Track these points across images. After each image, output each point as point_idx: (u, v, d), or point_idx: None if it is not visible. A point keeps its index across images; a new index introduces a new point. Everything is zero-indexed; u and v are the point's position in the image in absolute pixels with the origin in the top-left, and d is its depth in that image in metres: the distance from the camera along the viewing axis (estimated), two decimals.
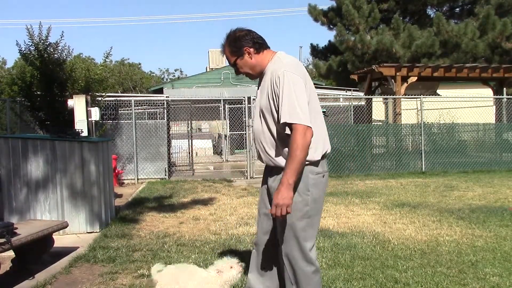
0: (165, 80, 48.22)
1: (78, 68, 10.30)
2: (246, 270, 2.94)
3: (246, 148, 11.79)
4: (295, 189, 2.49)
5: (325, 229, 5.46)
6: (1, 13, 68.78)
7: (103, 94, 10.45)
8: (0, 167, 5.44)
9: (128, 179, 10.76)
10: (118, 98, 12.38)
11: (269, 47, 2.71)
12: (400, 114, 12.84)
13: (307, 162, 2.52)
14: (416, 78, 12.92)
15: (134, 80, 43.83)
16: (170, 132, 11.97)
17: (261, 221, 2.82)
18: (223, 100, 16.43)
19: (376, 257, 4.34)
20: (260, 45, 2.66)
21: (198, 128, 19.53)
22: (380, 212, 6.59)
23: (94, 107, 8.27)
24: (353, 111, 14.49)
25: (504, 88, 14.13)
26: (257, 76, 2.72)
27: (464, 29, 15.84)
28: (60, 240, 4.92)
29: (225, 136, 16.26)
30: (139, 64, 48.71)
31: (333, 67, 18.76)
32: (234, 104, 16.11)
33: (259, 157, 2.74)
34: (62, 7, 78.46)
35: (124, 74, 43.13)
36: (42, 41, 9.18)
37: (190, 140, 13.01)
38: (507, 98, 13.26)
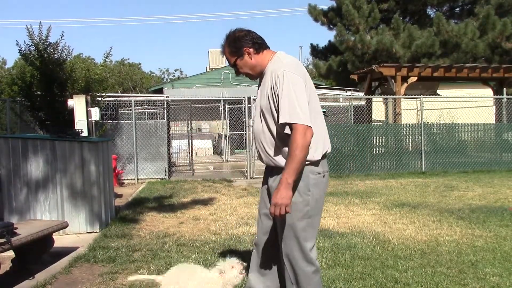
0: (165, 80, 48.24)
1: (78, 68, 10.30)
2: (247, 269, 2.94)
3: (246, 148, 11.79)
4: (294, 189, 2.50)
5: (325, 229, 5.46)
6: (1, 13, 68.84)
7: (103, 94, 10.45)
8: (0, 167, 5.44)
9: (128, 179, 10.76)
10: (118, 98, 12.38)
11: (268, 47, 2.71)
12: (400, 114, 12.84)
13: (307, 162, 2.52)
14: (416, 78, 12.92)
15: (134, 80, 43.83)
16: (170, 132, 11.97)
17: (261, 221, 2.82)
18: (223, 100, 16.43)
19: (376, 257, 4.34)
20: (260, 45, 2.66)
21: (198, 128, 19.53)
22: (380, 212, 6.59)
23: (94, 107, 8.27)
24: (353, 111, 14.49)
25: (504, 88, 14.14)
26: (257, 76, 2.72)
27: (464, 29, 15.84)
28: (60, 240, 4.92)
29: (225, 136, 16.26)
30: (139, 64, 48.75)
31: (333, 67, 18.76)
32: (234, 104, 16.11)
33: (260, 157, 2.74)
34: (62, 7, 78.52)
35: (124, 74, 43.13)
36: (42, 41, 9.18)
37: (190, 140, 13.02)
38: (507, 98, 13.26)
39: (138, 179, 10.78)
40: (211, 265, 3.07)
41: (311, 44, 22.17)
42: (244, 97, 12.04)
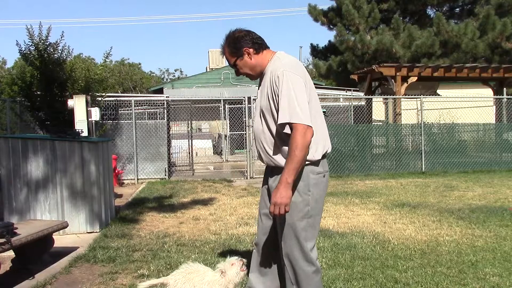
0: (165, 80, 48.26)
1: (78, 68, 10.29)
2: (248, 266, 2.95)
3: (246, 148, 11.79)
4: (294, 188, 2.50)
5: (325, 229, 5.46)
6: (1, 13, 68.83)
7: (103, 94, 10.45)
8: (0, 167, 5.44)
9: (128, 179, 10.76)
10: (118, 98, 12.38)
11: (268, 47, 2.71)
12: (400, 114, 12.84)
13: (307, 162, 2.52)
14: (416, 78, 12.92)
15: (134, 80, 43.85)
16: (170, 132, 11.97)
17: (261, 221, 2.82)
18: (223, 100, 16.42)
19: (376, 257, 4.34)
20: (260, 45, 2.66)
21: (198, 128, 19.54)
22: (380, 212, 6.59)
23: (94, 107, 8.27)
24: (353, 111, 14.49)
25: (504, 88, 14.13)
26: (257, 76, 2.72)
27: (464, 29, 15.85)
28: (60, 240, 4.92)
29: (225, 136, 16.26)
30: (139, 64, 48.78)
31: (333, 67, 18.76)
32: (234, 104, 16.11)
33: (260, 157, 2.74)
34: (62, 7, 78.55)
35: (124, 74, 43.14)
36: (42, 41, 9.18)
37: (190, 140, 13.01)
38: (507, 98, 13.26)
39: (138, 179, 10.78)
40: (211, 266, 3.06)
41: (311, 44, 22.21)
42: (244, 97, 12.04)
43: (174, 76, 49.94)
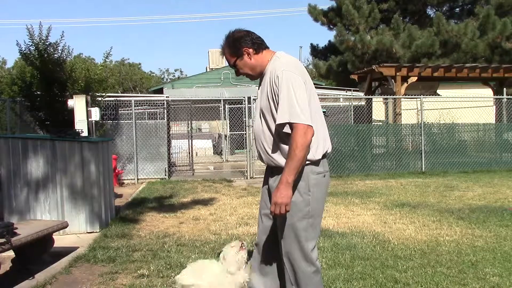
0: (165, 80, 48.28)
1: (78, 68, 10.29)
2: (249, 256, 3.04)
3: (246, 148, 11.78)
4: (295, 188, 2.49)
5: (325, 229, 5.46)
6: (1, 13, 68.83)
7: (103, 94, 10.45)
8: (0, 167, 5.44)
9: (128, 179, 10.76)
10: (118, 98, 12.38)
11: (268, 47, 2.71)
12: (400, 114, 12.84)
13: (308, 162, 2.52)
14: (416, 78, 12.91)
15: (134, 80, 43.86)
16: (170, 132, 11.97)
17: (262, 221, 2.82)
18: (223, 100, 16.42)
19: (376, 257, 4.34)
20: (259, 45, 2.66)
21: (198, 128, 19.53)
22: (380, 212, 6.59)
23: (94, 107, 8.27)
24: (353, 111, 14.49)
25: (504, 88, 14.13)
26: (257, 76, 2.72)
27: (464, 29, 15.84)
28: (60, 240, 4.92)
29: (225, 136, 16.26)
30: (139, 64, 48.80)
31: (333, 67, 18.76)
32: (234, 104, 16.10)
33: (260, 157, 2.74)
34: (62, 7, 78.55)
35: (124, 74, 43.14)
36: (42, 41, 9.18)
37: (190, 140, 13.01)
38: (507, 98, 13.25)
39: (138, 179, 10.78)
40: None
41: (311, 44, 22.20)
42: (244, 97, 12.04)
43: (174, 76, 50.00)
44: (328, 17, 18.96)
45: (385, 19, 17.98)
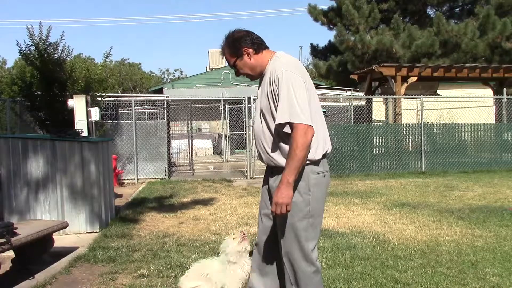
0: (165, 80, 48.28)
1: (78, 68, 10.28)
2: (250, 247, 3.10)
3: (246, 148, 11.78)
4: (295, 188, 2.49)
5: (325, 229, 5.46)
6: (1, 13, 68.83)
7: (103, 94, 10.45)
8: (0, 167, 5.44)
9: (128, 179, 10.76)
10: (118, 98, 12.38)
11: (268, 48, 2.71)
12: (400, 114, 12.83)
13: (308, 162, 2.52)
14: (416, 78, 12.91)
15: (134, 80, 43.86)
16: (170, 132, 11.97)
17: (262, 221, 2.82)
18: (223, 100, 16.42)
19: (376, 257, 4.34)
20: (259, 45, 2.66)
21: (198, 128, 19.53)
22: (380, 212, 6.59)
23: (94, 107, 8.27)
24: (353, 111, 14.49)
25: (504, 88, 14.13)
26: (257, 76, 2.72)
27: (464, 29, 15.84)
28: (60, 240, 4.92)
29: (225, 136, 16.25)
30: (139, 64, 48.80)
31: (333, 67, 18.76)
32: (234, 104, 16.10)
33: (260, 158, 2.74)
34: (62, 7, 78.55)
35: (124, 74, 43.14)
36: (42, 41, 9.18)
37: (190, 140, 13.01)
38: (507, 98, 13.25)
39: (138, 179, 10.78)
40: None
41: (311, 44, 22.20)
42: (244, 97, 12.04)
43: (174, 76, 50.01)
44: (328, 17, 18.97)
45: (385, 19, 17.98)
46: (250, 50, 2.64)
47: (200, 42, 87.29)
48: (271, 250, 2.78)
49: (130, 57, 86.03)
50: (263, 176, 2.87)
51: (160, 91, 22.94)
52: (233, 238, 3.07)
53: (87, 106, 7.80)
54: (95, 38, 79.91)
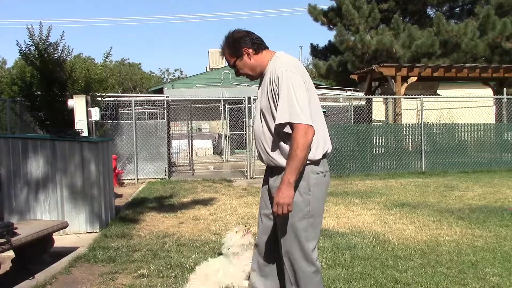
0: (165, 80, 48.28)
1: (78, 68, 10.28)
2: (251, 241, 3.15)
3: (246, 148, 11.78)
4: (295, 188, 2.49)
5: (325, 229, 5.46)
6: (1, 13, 68.82)
7: (103, 94, 10.45)
8: (0, 167, 5.44)
9: (128, 179, 10.76)
10: (118, 98, 12.38)
11: (268, 48, 2.71)
12: (400, 114, 12.83)
13: (308, 161, 2.52)
14: (416, 78, 12.91)
15: (134, 80, 43.86)
16: (170, 132, 11.97)
17: (262, 221, 2.82)
18: (223, 100, 16.42)
19: (376, 257, 4.34)
20: (259, 45, 2.66)
21: (198, 128, 19.53)
22: (380, 212, 6.59)
23: (94, 107, 8.27)
24: (353, 111, 14.49)
25: (504, 88, 14.13)
26: (257, 77, 2.72)
27: (464, 29, 15.84)
28: (60, 240, 4.92)
29: (225, 136, 16.25)
30: (139, 64, 48.79)
31: (333, 67, 18.76)
32: (234, 104, 16.10)
33: (260, 158, 2.74)
34: (62, 7, 78.56)
35: (124, 74, 43.14)
36: (42, 41, 9.18)
37: (190, 140, 13.01)
38: (507, 98, 13.25)
39: (138, 179, 10.78)
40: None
41: (311, 44, 22.19)
42: (244, 97, 12.04)
43: (174, 76, 50.01)
44: (328, 17, 18.96)
45: (385, 19, 17.98)
46: (250, 50, 2.63)
47: (200, 42, 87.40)
48: (271, 250, 2.78)
49: (130, 57, 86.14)
50: (263, 176, 2.87)
51: (160, 91, 22.94)
52: (236, 232, 3.07)
53: (87, 106, 7.80)
54: (95, 38, 80.00)
